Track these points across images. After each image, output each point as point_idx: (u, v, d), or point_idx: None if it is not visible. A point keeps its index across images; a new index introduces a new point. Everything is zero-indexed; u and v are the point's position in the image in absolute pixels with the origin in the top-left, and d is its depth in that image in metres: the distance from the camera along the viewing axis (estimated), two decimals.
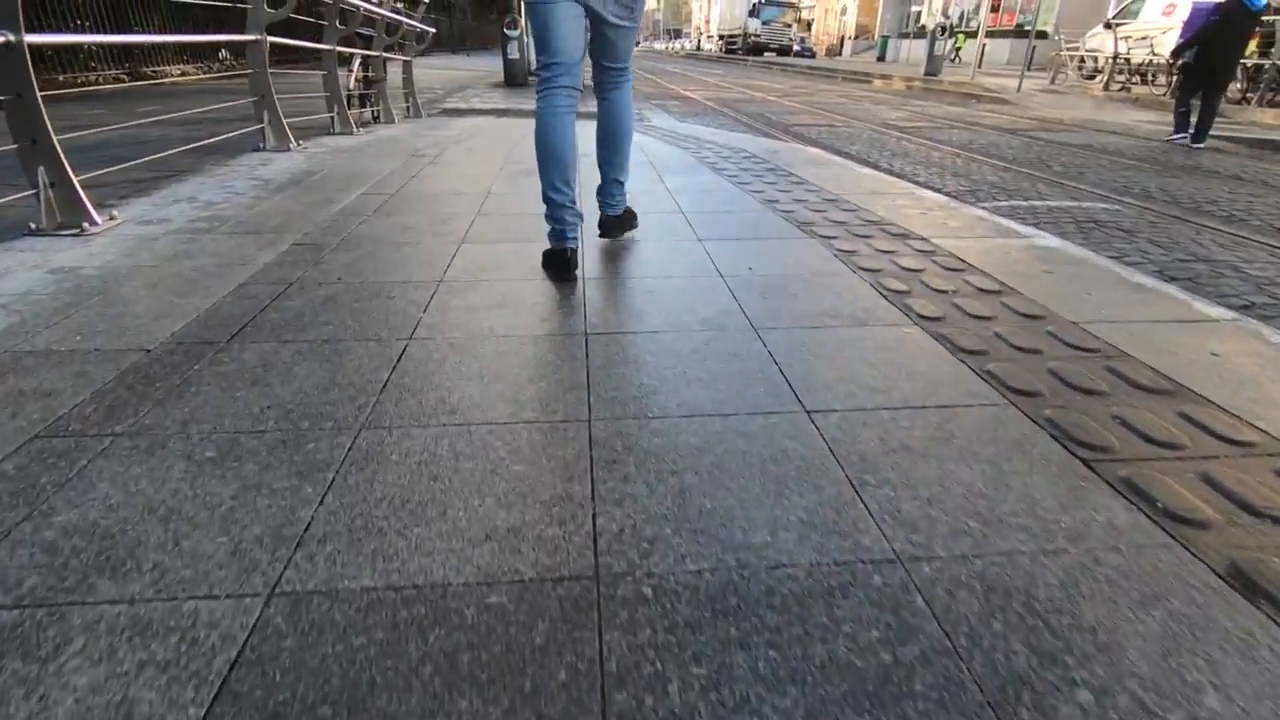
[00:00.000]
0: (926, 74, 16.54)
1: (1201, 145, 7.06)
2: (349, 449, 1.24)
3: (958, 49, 34.67)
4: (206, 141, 3.77)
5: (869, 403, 1.43)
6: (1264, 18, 7.49)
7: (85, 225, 2.53)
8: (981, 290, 2.08)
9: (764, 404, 1.42)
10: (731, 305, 1.95)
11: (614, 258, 2.43)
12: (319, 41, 4.99)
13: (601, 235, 2.55)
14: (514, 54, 12.52)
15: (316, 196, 3.17)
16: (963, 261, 2.36)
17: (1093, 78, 15.65)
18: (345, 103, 5.39)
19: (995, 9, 34.71)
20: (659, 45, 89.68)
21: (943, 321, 1.84)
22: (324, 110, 5.32)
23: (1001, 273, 2.24)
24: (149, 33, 10.75)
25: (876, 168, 5.23)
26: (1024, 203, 4.52)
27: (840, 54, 45.32)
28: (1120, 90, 12.70)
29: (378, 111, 6.48)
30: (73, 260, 2.24)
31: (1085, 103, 12.33)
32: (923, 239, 2.65)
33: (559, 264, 2.11)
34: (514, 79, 12.66)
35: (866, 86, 16.99)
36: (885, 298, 2.02)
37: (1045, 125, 9.05)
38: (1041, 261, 2.39)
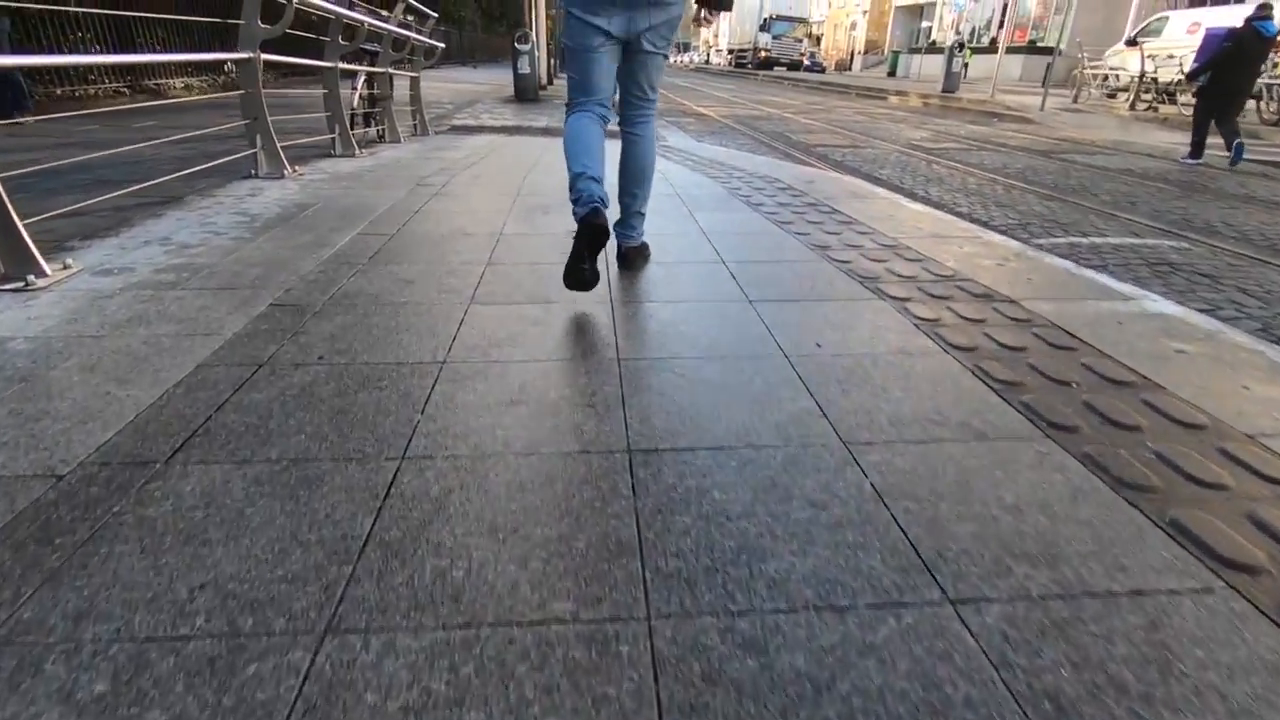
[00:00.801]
0: (944, 91, 16.21)
1: (1241, 162, 6.99)
2: (304, 677, 0.85)
3: (965, 64, 34.56)
4: (195, 170, 3.41)
5: (1033, 584, 1.03)
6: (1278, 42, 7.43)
7: (30, 278, 2.16)
8: (1114, 383, 1.68)
9: (888, 587, 1.02)
10: (808, 404, 1.56)
11: (655, 329, 2.04)
12: (321, 57, 4.65)
13: (622, 267, 2.50)
14: (524, 69, 12.25)
15: (306, 238, 2.80)
16: (1073, 337, 1.96)
17: (1114, 96, 15.30)
18: (348, 122, 5.05)
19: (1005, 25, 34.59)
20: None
21: (1083, 436, 1.44)
22: (326, 129, 4.98)
23: (1127, 355, 1.84)
24: (151, 48, 10.48)
25: (913, 196, 4.85)
26: (1083, 239, 4.13)
27: (850, 69, 45.16)
28: (1147, 110, 12.33)
29: (383, 130, 6.14)
30: (2, 327, 1.86)
31: (1111, 123, 11.95)
32: (1011, 301, 2.26)
33: (594, 220, 2.01)
34: (524, 94, 12.38)
35: (883, 103, 16.66)
36: (997, 393, 1.62)
37: (1077, 147, 8.66)
38: (1166, 336, 2.00)
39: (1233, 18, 13.36)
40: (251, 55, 3.46)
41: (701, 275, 2.52)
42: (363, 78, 5.62)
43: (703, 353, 1.85)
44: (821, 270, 2.57)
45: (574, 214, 2.06)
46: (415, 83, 7.08)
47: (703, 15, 2.50)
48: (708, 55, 59.05)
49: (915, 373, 1.72)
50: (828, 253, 2.79)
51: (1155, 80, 12.50)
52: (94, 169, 3.84)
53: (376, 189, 3.62)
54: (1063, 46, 29.37)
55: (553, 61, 20.17)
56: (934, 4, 39.83)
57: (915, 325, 2.03)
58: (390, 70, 6.25)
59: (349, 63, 5.68)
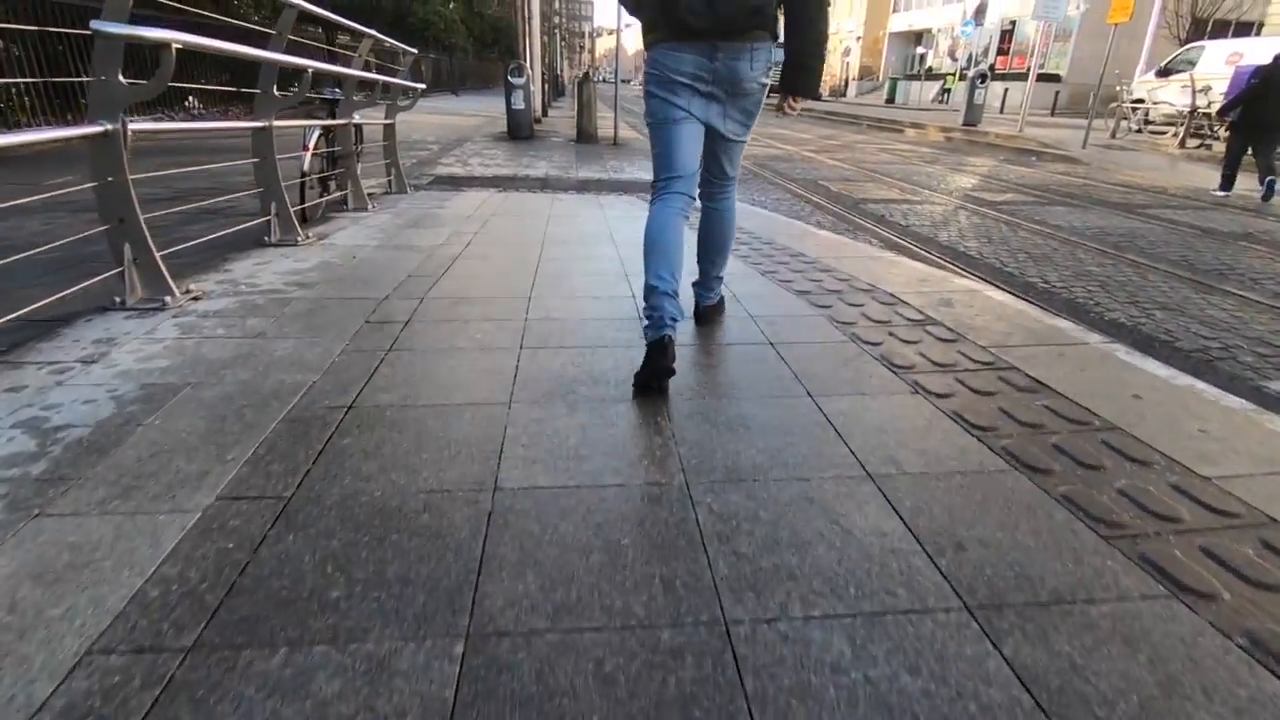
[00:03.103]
0: (966, 124, 15.22)
1: (1274, 198, 7.20)
2: None
3: (946, 90, 34.02)
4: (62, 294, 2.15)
5: None
6: None
7: None
8: None
9: None
10: None
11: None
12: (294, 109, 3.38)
13: (698, 322, 2.49)
14: (519, 104, 11.12)
15: (118, 514, 1.53)
16: None
17: (1140, 130, 14.33)
18: (284, 208, 3.81)
19: (1004, 52, 34.13)
20: None
21: None
22: (264, 207, 3.72)
23: None
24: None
25: (1037, 292, 3.65)
26: None
27: (845, 95, 44.68)
28: (1199, 148, 11.30)
29: (347, 196, 4.91)
30: None
31: (1163, 162, 10.91)
32: None
33: (657, 354, 1.89)
34: (518, 130, 11.25)
35: (901, 137, 15.65)
36: None
37: (1153, 197, 7.55)
38: None
39: (1271, 48, 12.47)
40: (109, 128, 2.21)
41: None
42: (317, 133, 4.40)
43: None
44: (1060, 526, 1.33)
45: (644, 330, 1.96)
46: (390, 131, 5.87)
47: (786, 103, 2.08)
48: None
49: None
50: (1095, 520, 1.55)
51: (1208, 116, 11.49)
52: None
53: (306, 331, 2.33)
54: (1061, 72, 28.82)
55: (546, 90, 19.10)
56: (929, 30, 39.52)
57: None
58: (356, 120, 5.04)
59: (301, 114, 4.47)
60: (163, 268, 2.50)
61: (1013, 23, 32.74)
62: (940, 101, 33.99)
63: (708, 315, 2.51)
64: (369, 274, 3.09)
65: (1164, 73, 15.11)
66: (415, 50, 5.95)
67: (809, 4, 1.89)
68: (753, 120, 2.06)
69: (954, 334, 2.41)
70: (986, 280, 3.92)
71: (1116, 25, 11.04)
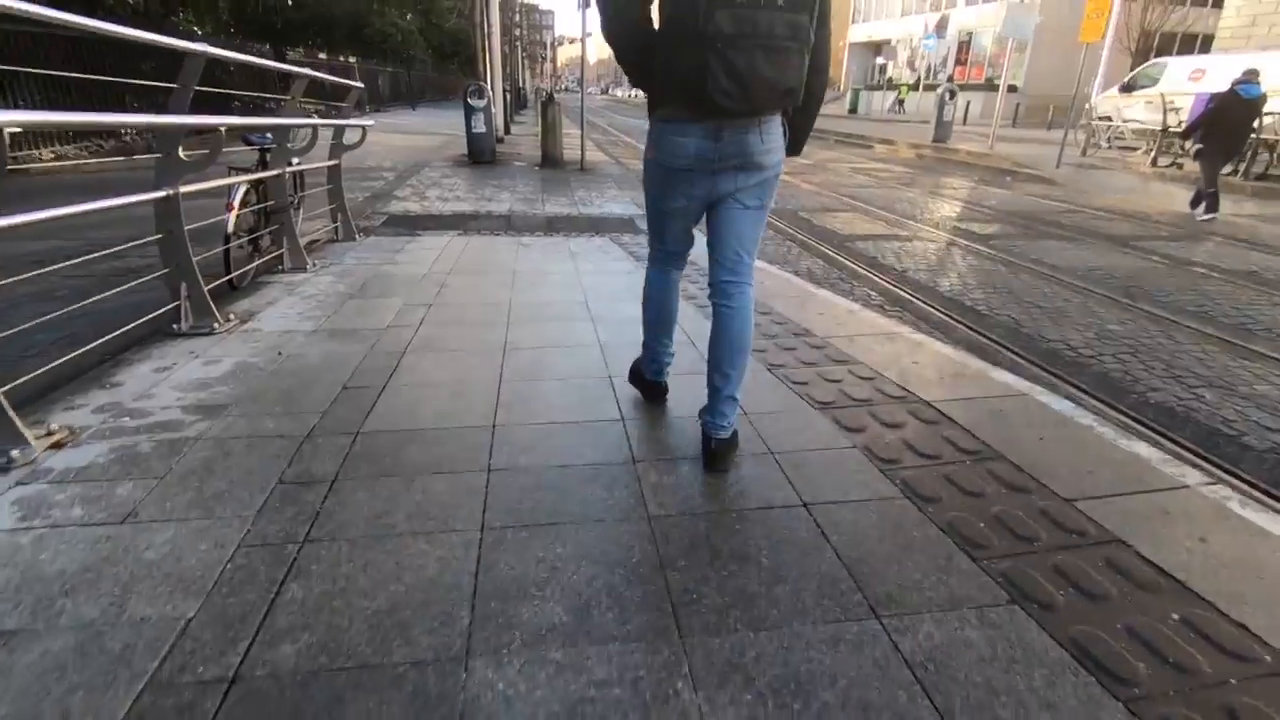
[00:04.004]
0: (935, 140, 15.07)
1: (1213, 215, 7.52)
2: None
3: (900, 100, 34.51)
4: None
5: None
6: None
7: None
8: None
9: None
10: None
11: None
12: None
13: (708, 467, 1.94)
14: (479, 127, 10.56)
15: None
16: None
17: (1109, 146, 14.33)
18: (197, 289, 3.22)
19: (962, 63, 34.62)
20: (620, 92, 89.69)
21: None
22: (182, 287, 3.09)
23: None
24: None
25: (1064, 365, 3.25)
26: None
27: None
28: (1170, 166, 11.24)
29: (283, 255, 4.30)
30: None
31: (1136, 182, 10.82)
32: None
33: (655, 391, 2.32)
34: (479, 155, 10.69)
35: (872, 155, 15.44)
36: None
37: (1140, 225, 7.32)
38: None
39: (1234, 66, 12.55)
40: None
41: None
42: (242, 189, 3.80)
43: None
44: None
45: (639, 366, 2.28)
46: (335, 172, 5.28)
47: None
48: None
49: None
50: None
51: (1179, 134, 11.44)
52: None
53: (194, 506, 1.74)
54: (1017, 83, 29.22)
55: (509, 103, 18.50)
56: (888, 41, 39.93)
57: None
58: (293, 167, 4.44)
59: (233, 171, 3.87)
60: (8, 410, 1.90)
61: (969, 34, 33.25)
62: (895, 111, 34.46)
63: (721, 456, 1.94)
64: (295, 384, 2.51)
65: (1127, 88, 15.18)
66: (360, 84, 5.36)
67: (814, 88, 1.76)
68: (769, 197, 1.86)
69: (1027, 478, 1.94)
70: (1012, 351, 3.50)
71: (1087, 43, 10.93)
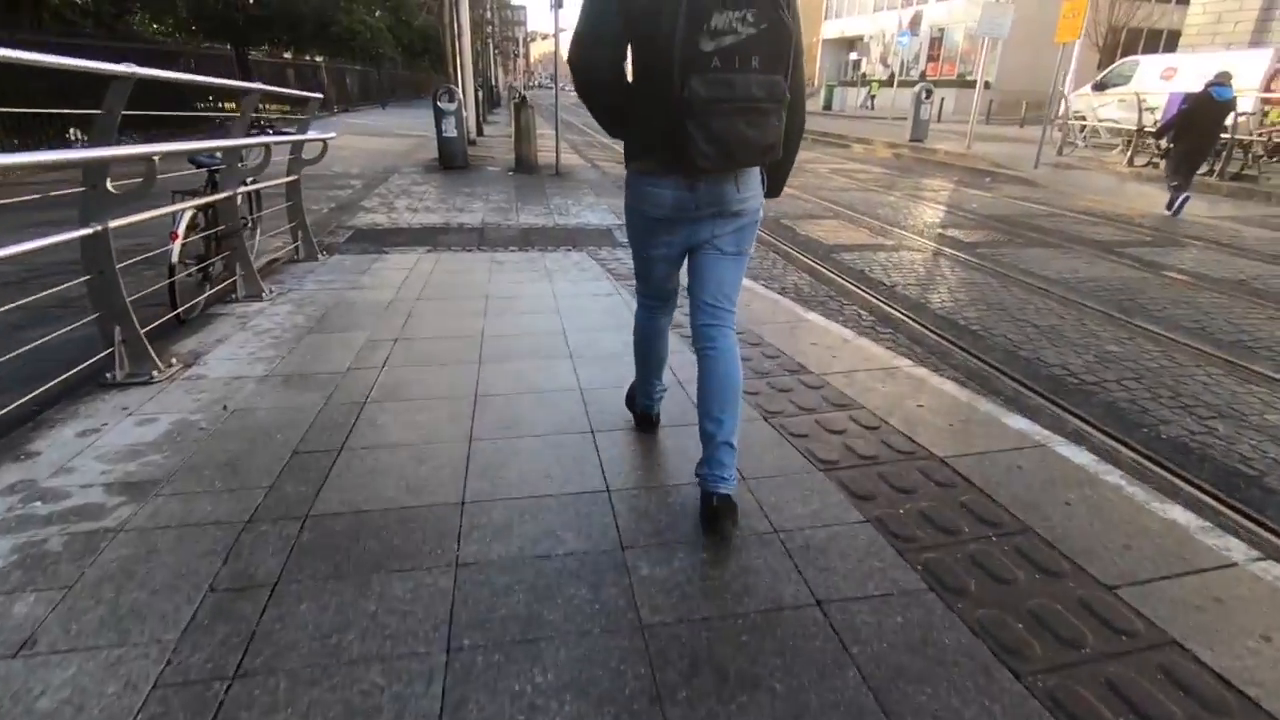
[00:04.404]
0: (912, 140, 15.01)
1: (1178, 216, 7.87)
2: None
3: (872, 96, 34.75)
4: None
5: None
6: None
7: None
8: None
9: None
10: None
11: None
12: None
13: (709, 531, 1.77)
14: (450, 131, 10.23)
15: None
16: None
17: (1085, 144, 14.36)
18: (132, 333, 2.93)
19: (935, 59, 34.80)
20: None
21: None
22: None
23: None
24: None
25: (1086, 393, 3.08)
26: None
27: None
28: (1147, 166, 11.26)
29: (237, 282, 4.00)
30: None
31: (1114, 182, 10.81)
32: None
33: (647, 422, 2.34)
34: (450, 160, 10.36)
35: (849, 154, 15.34)
36: None
37: (1124, 230, 7.25)
38: None
39: (1205, 65, 12.64)
40: None
41: None
42: (187, 216, 3.49)
43: None
44: None
45: (634, 395, 2.32)
46: (294, 189, 4.97)
47: None
48: None
49: None
50: None
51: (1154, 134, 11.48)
52: None
53: (84, 666, 1.51)
54: (990, 79, 29.40)
55: (481, 103, 18.06)
56: (861, 37, 40.03)
57: None
58: (246, 188, 4.13)
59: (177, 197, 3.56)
60: None
61: (941, 30, 33.42)
62: (867, 107, 34.68)
63: (721, 517, 1.75)
64: (239, 449, 2.24)
65: (1100, 86, 15.24)
66: (319, 95, 5.05)
67: (792, 128, 1.73)
68: (747, 243, 1.84)
69: (1059, 557, 1.75)
70: (1015, 379, 3.33)
71: (1064, 44, 10.89)
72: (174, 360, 2.96)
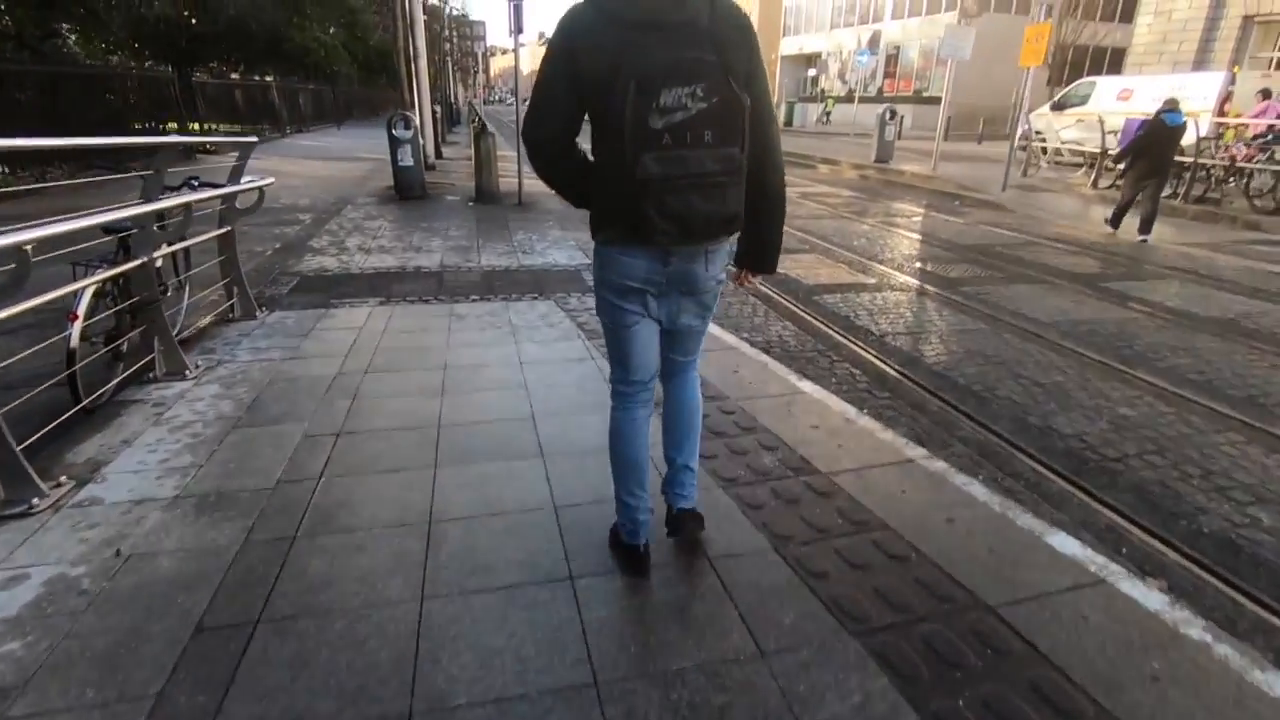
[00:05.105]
0: (877, 160, 14.99)
1: (1148, 238, 8.09)
2: None
3: (828, 112, 35.32)
4: None
5: None
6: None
7: None
8: None
9: None
10: None
11: None
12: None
13: (671, 534, 2.08)
14: (405, 160, 9.75)
15: None
16: None
17: (1050, 165, 14.50)
18: (7, 453, 2.44)
19: (891, 75, 35.39)
20: None
21: None
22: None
23: None
24: None
25: (1111, 473, 2.78)
26: None
27: None
28: (1111, 188, 11.32)
29: (155, 359, 3.49)
30: None
31: (1082, 206, 10.82)
32: None
33: (634, 561, 1.99)
34: (407, 190, 9.88)
35: (815, 175, 15.24)
36: None
37: (1105, 261, 7.12)
38: None
39: (1160, 87, 12.86)
40: None
41: None
42: (88, 294, 3.00)
43: None
44: None
45: (617, 527, 2.02)
46: (228, 241, 4.47)
47: (744, 276, 1.95)
48: None
49: None
50: None
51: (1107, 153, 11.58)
52: None
53: None
54: (943, 95, 29.97)
55: (440, 123, 17.50)
56: (819, 54, 40.57)
57: None
58: (165, 250, 3.64)
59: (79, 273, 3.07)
60: None
61: (897, 48, 34.04)
62: (823, 123, 35.22)
63: (684, 526, 2.02)
64: (124, 631, 1.77)
65: (1058, 106, 15.45)
66: (255, 139, 4.56)
67: (769, 189, 1.73)
68: (710, 313, 1.90)
69: None
70: (1033, 457, 3.02)
71: (1030, 68, 10.91)
72: (63, 479, 2.47)
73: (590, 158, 1.69)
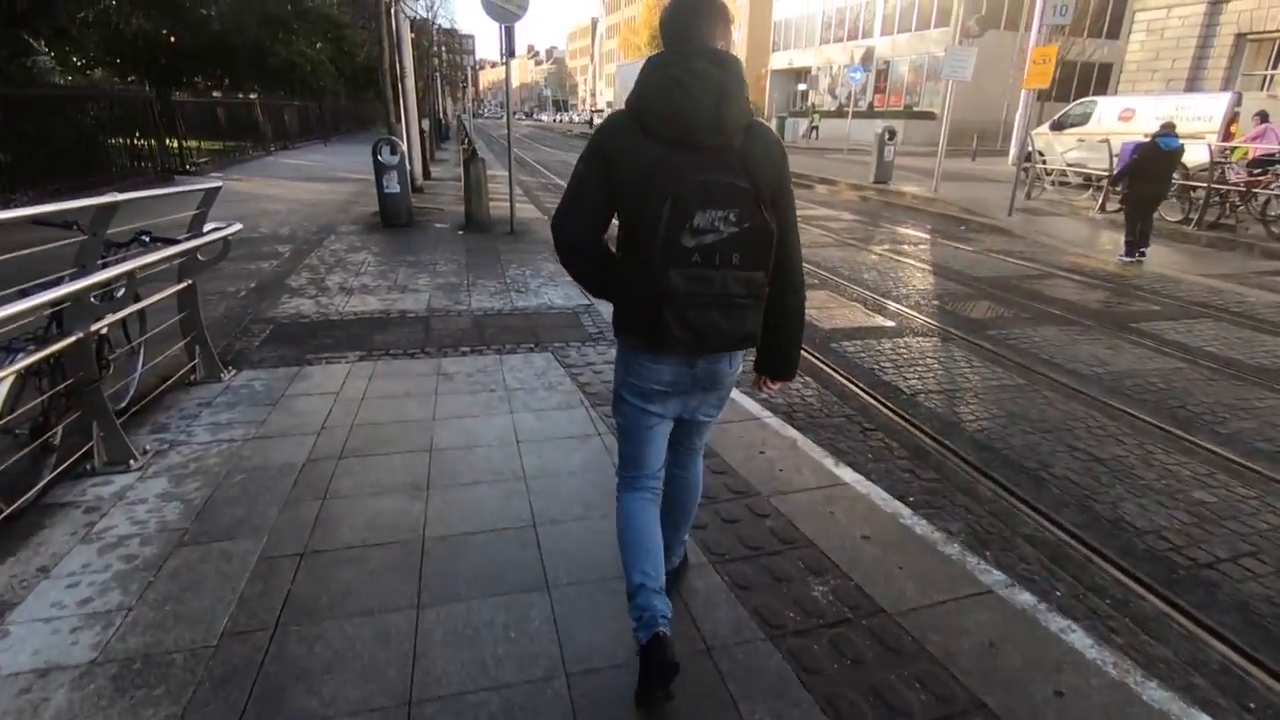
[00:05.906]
0: (876, 181, 14.69)
1: (1143, 259, 8.16)
2: None
3: (814, 127, 35.29)
4: None
5: None
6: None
7: None
8: None
9: None
10: None
11: None
12: None
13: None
14: (392, 187, 9.31)
15: None
16: None
17: (1055, 185, 14.26)
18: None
19: (881, 90, 35.40)
20: (545, 117, 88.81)
21: None
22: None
23: None
24: None
25: (1223, 613, 2.37)
26: None
27: None
28: (1118, 212, 11.03)
29: (93, 449, 3.00)
30: None
31: (1090, 231, 10.52)
32: None
33: (657, 652, 1.66)
34: (393, 218, 9.43)
35: (812, 195, 14.91)
36: None
37: (1128, 296, 6.76)
38: None
39: (1163, 107, 12.64)
40: None
41: None
42: (6, 384, 2.52)
43: None
44: None
45: (634, 632, 1.74)
46: (189, 296, 4.01)
47: (763, 381, 1.93)
48: (590, 117, 56.71)
49: None
50: None
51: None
52: None
53: None
54: (935, 110, 29.85)
55: (428, 143, 17.05)
56: (809, 68, 40.60)
57: None
58: (112, 317, 3.18)
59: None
60: None
61: (887, 63, 34.08)
62: (811, 137, 35.22)
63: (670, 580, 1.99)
64: None
65: (1058, 125, 15.23)
66: (219, 184, 4.09)
67: (789, 308, 1.77)
68: (724, 404, 1.90)
69: None
70: (1112, 561, 2.59)
71: (1034, 90, 10.63)
72: None
73: (614, 251, 1.70)
